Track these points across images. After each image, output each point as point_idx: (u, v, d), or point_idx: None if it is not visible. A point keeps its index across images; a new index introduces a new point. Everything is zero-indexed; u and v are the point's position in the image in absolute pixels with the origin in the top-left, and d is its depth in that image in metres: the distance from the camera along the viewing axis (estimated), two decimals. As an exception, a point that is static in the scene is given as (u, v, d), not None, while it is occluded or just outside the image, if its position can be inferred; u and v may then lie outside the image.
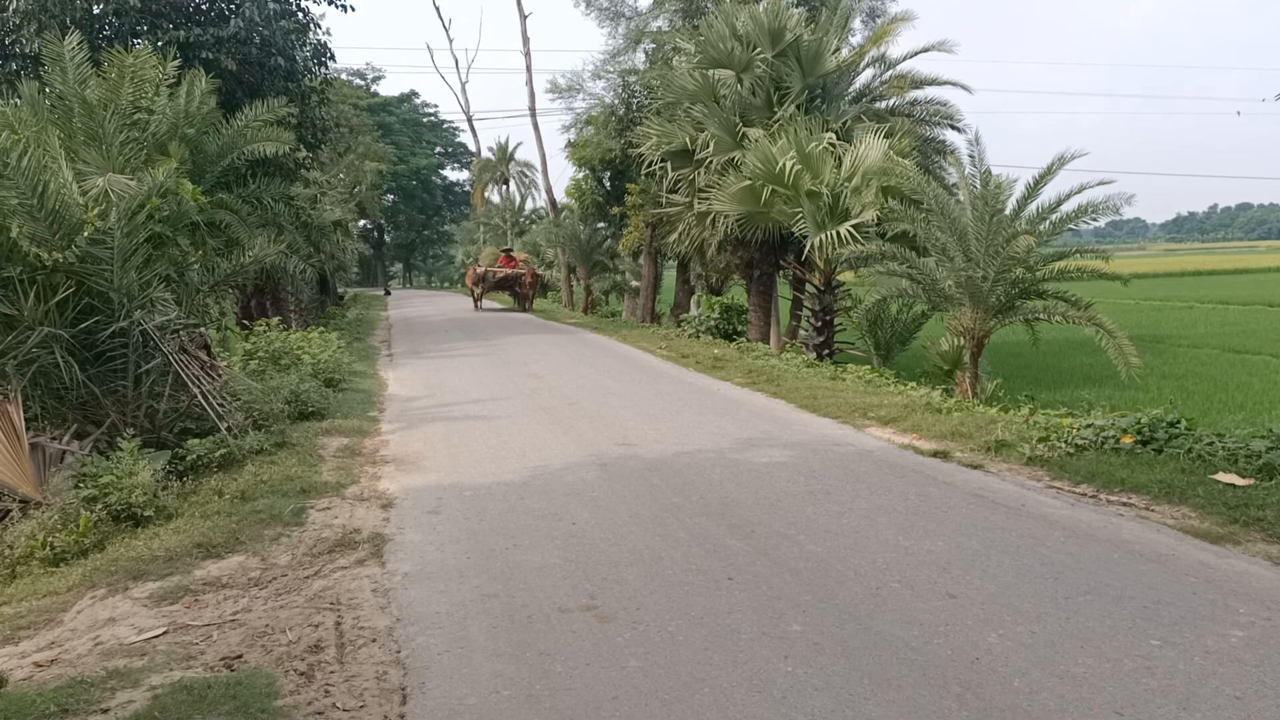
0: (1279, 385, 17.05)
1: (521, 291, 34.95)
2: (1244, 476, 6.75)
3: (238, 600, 5.31)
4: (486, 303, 36.78)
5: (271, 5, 18.99)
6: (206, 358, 10.18)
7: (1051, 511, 6.45)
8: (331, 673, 4.30)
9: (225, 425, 9.11)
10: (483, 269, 35.81)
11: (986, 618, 4.61)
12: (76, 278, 8.47)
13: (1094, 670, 4.01)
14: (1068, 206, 12.48)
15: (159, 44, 16.56)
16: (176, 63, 13.55)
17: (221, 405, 9.42)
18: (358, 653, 4.51)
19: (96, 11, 17.92)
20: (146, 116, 12.59)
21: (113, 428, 8.67)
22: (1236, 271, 65.64)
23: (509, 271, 34.88)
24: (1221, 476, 6.79)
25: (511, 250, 38.04)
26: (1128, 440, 7.83)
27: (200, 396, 9.18)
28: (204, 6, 18.97)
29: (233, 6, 18.71)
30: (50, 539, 6.44)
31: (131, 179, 9.56)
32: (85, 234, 8.47)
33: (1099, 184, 12.18)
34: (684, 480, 7.66)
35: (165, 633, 4.84)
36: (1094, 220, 12.51)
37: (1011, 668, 4.06)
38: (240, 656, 4.49)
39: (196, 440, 8.69)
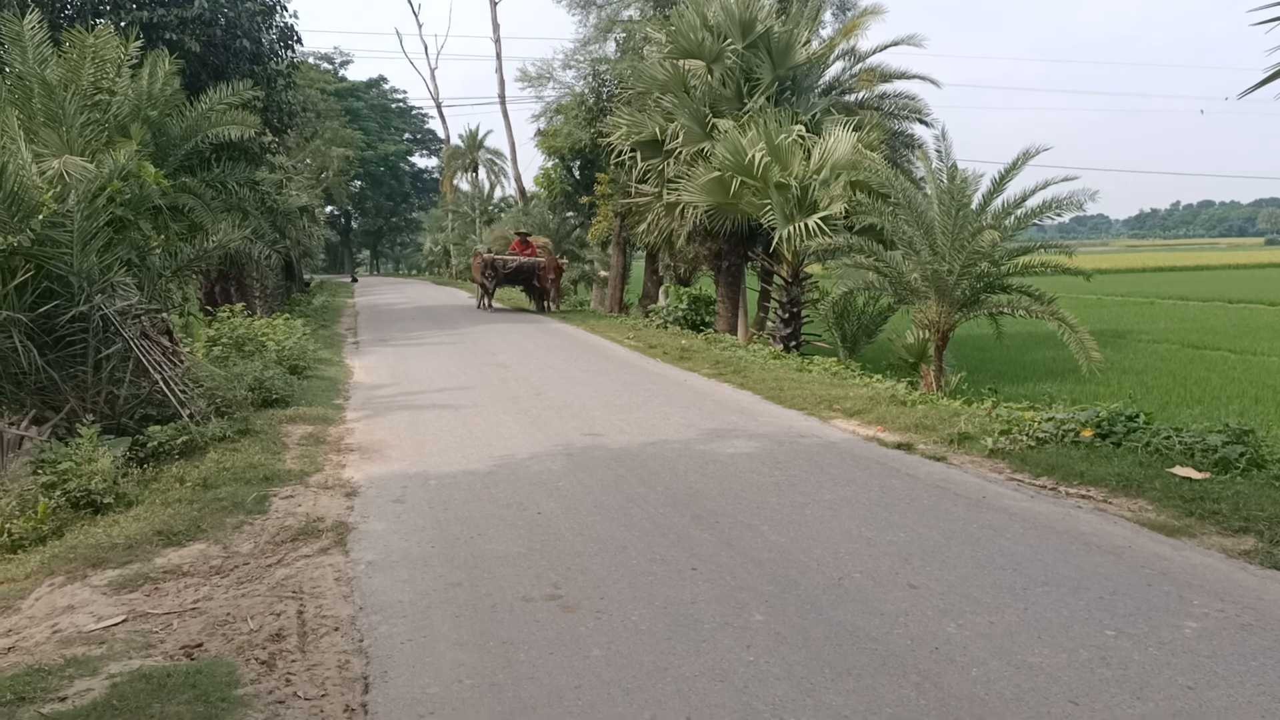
0: (1236, 380, 17.37)
1: (540, 285, 27.05)
2: (1200, 470, 6.88)
3: (199, 588, 5.26)
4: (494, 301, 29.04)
5: (237, -13, 18.74)
6: (168, 343, 10.04)
7: (1011, 504, 6.53)
8: (293, 661, 4.27)
9: (187, 412, 9.00)
10: (492, 255, 27.66)
11: (946, 608, 4.66)
12: (35, 261, 8.33)
13: (1050, 660, 4.07)
14: (1033, 202, 12.64)
15: (121, 24, 16.26)
16: (139, 43, 13.30)
17: (183, 392, 9.30)
18: (320, 641, 4.49)
19: (58, -10, 17.59)
20: (108, 98, 12.37)
21: (72, 414, 8.54)
22: (1197, 268, 66.77)
23: (524, 260, 26.81)
24: (1178, 470, 6.90)
25: (529, 234, 29.36)
26: (1087, 434, 7.94)
27: (161, 383, 9.07)
28: (168, -13, 18.66)
29: (197, -13, 18.42)
30: (8, 525, 6.36)
31: (91, 161, 9.41)
32: (42, 216, 8.32)
33: (1063, 180, 12.37)
34: (650, 470, 7.67)
35: (124, 621, 4.78)
36: (1058, 216, 12.70)
37: (970, 657, 4.11)
38: (200, 645, 4.45)
39: (158, 427, 8.57)
